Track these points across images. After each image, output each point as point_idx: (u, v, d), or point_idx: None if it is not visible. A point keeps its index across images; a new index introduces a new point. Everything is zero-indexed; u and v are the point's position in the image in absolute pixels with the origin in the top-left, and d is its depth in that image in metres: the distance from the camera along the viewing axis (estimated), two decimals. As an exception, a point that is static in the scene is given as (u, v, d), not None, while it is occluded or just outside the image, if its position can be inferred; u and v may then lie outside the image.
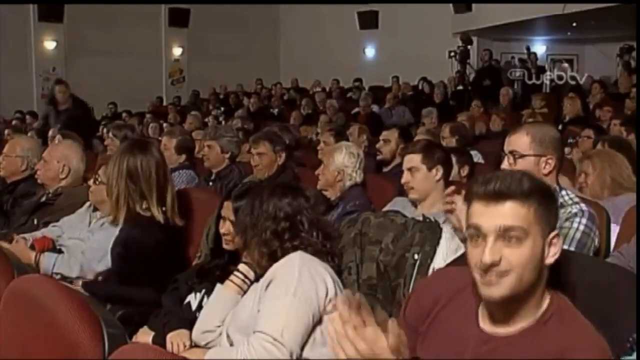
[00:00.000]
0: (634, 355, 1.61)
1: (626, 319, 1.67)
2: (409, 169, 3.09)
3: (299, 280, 1.96)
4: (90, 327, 1.63)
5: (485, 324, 1.54)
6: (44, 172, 3.68)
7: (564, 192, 2.54)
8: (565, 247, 2.38)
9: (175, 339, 2.31)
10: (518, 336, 1.48)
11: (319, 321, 1.98)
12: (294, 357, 1.92)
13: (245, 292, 2.22)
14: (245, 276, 2.24)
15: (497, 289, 1.45)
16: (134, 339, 2.36)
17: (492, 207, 1.46)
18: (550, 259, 1.50)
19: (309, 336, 1.96)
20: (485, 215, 1.46)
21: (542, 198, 1.48)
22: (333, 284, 2.03)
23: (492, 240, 1.45)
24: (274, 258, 2.08)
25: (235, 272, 2.26)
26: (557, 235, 1.52)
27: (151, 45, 15.84)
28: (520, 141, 2.52)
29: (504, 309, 1.50)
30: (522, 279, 1.45)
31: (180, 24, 16.15)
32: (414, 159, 3.09)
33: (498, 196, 1.46)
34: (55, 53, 14.95)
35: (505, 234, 1.45)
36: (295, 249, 2.08)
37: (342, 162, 3.57)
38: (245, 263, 2.26)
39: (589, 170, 3.56)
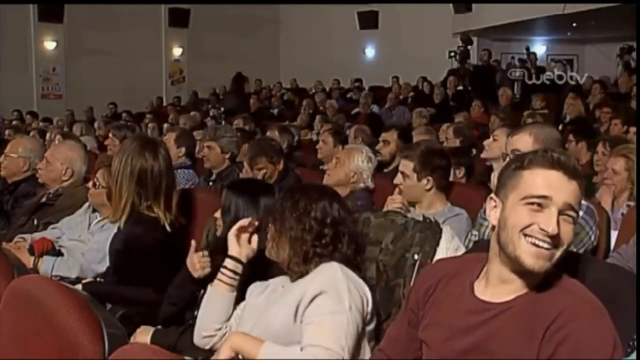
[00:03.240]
0: (634, 356, 1.62)
1: (626, 319, 1.67)
2: (402, 172, 3.10)
3: (350, 295, 1.92)
4: (90, 327, 1.63)
5: (481, 294, 1.57)
6: (46, 173, 3.67)
7: None
8: None
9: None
10: (513, 302, 1.51)
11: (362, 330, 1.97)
12: None
13: (235, 286, 2.19)
14: (234, 272, 2.20)
15: (545, 262, 1.48)
16: (132, 338, 2.36)
17: (564, 182, 1.48)
18: None
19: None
20: (555, 188, 1.48)
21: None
22: (370, 294, 2.01)
23: (556, 213, 1.47)
24: (305, 259, 2.03)
25: (222, 270, 2.21)
26: None
27: (151, 46, 15.86)
28: (522, 141, 2.53)
29: (516, 279, 1.53)
30: (561, 256, 1.50)
31: (180, 24, 16.17)
32: (407, 166, 3.10)
33: (571, 173, 1.49)
34: (55, 53, 14.97)
35: (566, 211, 1.48)
36: (328, 256, 2.03)
37: (360, 165, 3.57)
38: (231, 257, 2.21)
39: (620, 168, 3.48)
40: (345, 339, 1.84)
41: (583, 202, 2.46)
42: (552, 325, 1.42)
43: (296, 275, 2.05)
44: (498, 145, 3.60)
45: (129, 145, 2.90)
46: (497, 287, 1.55)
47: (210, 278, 2.35)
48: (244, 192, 2.48)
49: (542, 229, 1.46)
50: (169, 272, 2.70)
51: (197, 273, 2.47)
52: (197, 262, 2.47)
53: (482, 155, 3.77)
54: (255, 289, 2.18)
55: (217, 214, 2.51)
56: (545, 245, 1.47)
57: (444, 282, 1.66)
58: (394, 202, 2.95)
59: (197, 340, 2.21)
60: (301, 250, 2.03)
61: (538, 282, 1.53)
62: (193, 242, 2.54)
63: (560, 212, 1.47)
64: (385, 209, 2.90)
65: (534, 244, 1.47)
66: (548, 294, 1.50)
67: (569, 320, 1.42)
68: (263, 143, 4.43)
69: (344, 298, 1.91)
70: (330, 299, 1.90)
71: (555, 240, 1.47)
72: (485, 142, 3.74)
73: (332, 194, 2.16)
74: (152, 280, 2.70)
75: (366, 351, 1.97)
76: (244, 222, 2.23)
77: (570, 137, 5.13)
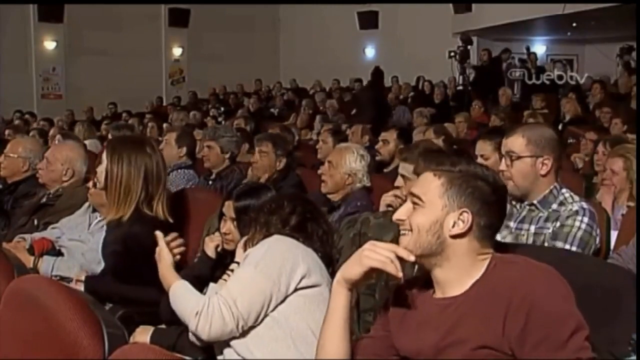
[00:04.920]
0: (634, 356, 1.62)
1: (626, 319, 1.67)
2: (402, 176, 3.09)
3: (264, 256, 2.04)
4: (90, 327, 1.64)
5: (440, 294, 1.66)
6: (47, 173, 3.65)
7: (564, 190, 2.56)
8: (567, 246, 2.40)
9: None
10: (470, 290, 1.60)
11: (282, 301, 2.04)
12: (240, 326, 1.98)
13: None
14: None
15: (401, 243, 1.65)
16: (131, 338, 2.36)
17: (416, 179, 1.72)
18: (453, 232, 1.61)
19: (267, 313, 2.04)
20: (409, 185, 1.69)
21: (463, 178, 1.63)
22: (306, 265, 2.07)
23: (407, 202, 1.68)
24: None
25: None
26: (465, 212, 1.61)
27: (151, 46, 15.85)
28: (516, 143, 2.55)
29: (439, 279, 1.65)
30: (417, 241, 1.62)
31: (180, 24, 16.17)
32: (407, 168, 3.08)
33: (424, 168, 1.69)
34: (55, 53, 14.96)
35: (412, 199, 1.66)
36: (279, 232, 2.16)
37: (354, 166, 3.53)
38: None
39: (618, 169, 3.46)
40: (241, 291, 1.99)
41: (585, 205, 2.49)
42: (514, 298, 1.50)
43: None
44: (490, 162, 3.49)
45: (123, 144, 2.89)
46: (449, 286, 1.64)
47: (209, 280, 2.37)
48: (251, 196, 2.49)
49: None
50: None
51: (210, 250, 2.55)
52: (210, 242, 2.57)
53: None
54: None
55: (227, 229, 2.49)
56: (401, 232, 1.66)
57: (406, 294, 1.74)
58: (386, 197, 2.95)
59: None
60: (268, 232, 2.16)
61: (485, 269, 1.61)
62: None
63: (411, 202, 1.66)
64: (381, 209, 2.90)
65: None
66: (499, 273, 1.59)
67: (529, 288, 1.50)
68: (276, 134, 4.49)
69: (256, 256, 2.04)
70: (245, 261, 2.07)
71: (403, 225, 1.65)
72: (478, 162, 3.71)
73: (302, 198, 2.35)
74: (151, 279, 2.70)
75: (301, 308, 2.05)
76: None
77: (593, 135, 5.18)
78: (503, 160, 2.57)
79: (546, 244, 2.44)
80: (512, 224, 2.57)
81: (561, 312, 1.48)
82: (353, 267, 1.64)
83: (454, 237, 1.61)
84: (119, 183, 2.80)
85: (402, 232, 1.65)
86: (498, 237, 2.53)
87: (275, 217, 2.18)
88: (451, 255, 1.62)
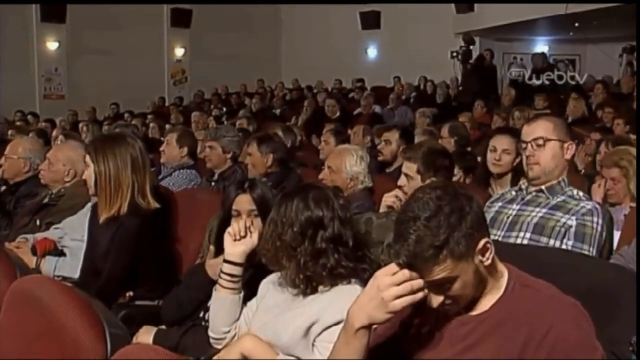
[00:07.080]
0: (634, 358, 1.62)
1: (626, 319, 1.67)
2: (405, 174, 3.09)
3: None
4: (92, 327, 1.64)
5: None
6: (49, 174, 3.65)
7: (571, 187, 2.62)
8: (591, 249, 2.45)
9: None
10: (490, 310, 1.57)
11: None
12: None
13: (237, 289, 2.17)
14: (232, 275, 2.16)
15: (452, 309, 1.58)
16: (134, 338, 2.37)
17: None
18: (488, 262, 1.54)
19: None
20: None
21: (451, 232, 1.46)
22: None
23: (433, 295, 1.53)
24: (310, 280, 1.96)
25: (221, 274, 2.18)
26: (484, 241, 1.51)
27: (153, 46, 15.87)
28: (543, 127, 2.60)
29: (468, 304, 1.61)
30: (469, 296, 1.56)
31: (183, 25, 16.19)
32: (410, 168, 3.09)
33: (412, 268, 1.48)
34: (57, 53, 14.99)
35: (438, 287, 1.51)
36: (345, 276, 1.95)
37: (355, 169, 3.53)
38: (227, 261, 2.17)
39: (617, 176, 3.44)
40: None
41: (596, 205, 2.53)
42: (536, 331, 1.47)
43: (305, 292, 1.98)
44: (510, 158, 3.68)
45: (103, 142, 2.94)
46: (470, 303, 1.60)
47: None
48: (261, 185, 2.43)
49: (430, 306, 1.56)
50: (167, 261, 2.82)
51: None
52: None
53: (496, 171, 3.74)
54: (270, 287, 2.12)
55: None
56: (446, 308, 1.57)
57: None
58: (388, 197, 2.95)
59: (211, 341, 2.22)
60: (304, 274, 1.95)
61: (504, 289, 1.58)
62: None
63: (438, 290, 1.52)
64: (381, 209, 2.90)
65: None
66: (519, 297, 1.56)
67: (552, 323, 1.47)
68: (266, 134, 4.60)
69: None
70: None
71: (446, 302, 1.54)
72: (490, 157, 3.74)
73: (315, 198, 1.99)
74: (150, 273, 2.71)
75: None
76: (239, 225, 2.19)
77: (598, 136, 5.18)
78: (528, 147, 2.60)
79: (569, 242, 2.47)
80: (514, 206, 2.64)
81: (586, 350, 1.46)
82: (379, 313, 1.50)
83: (490, 265, 1.54)
84: (108, 180, 2.83)
85: (447, 308, 1.56)
86: (498, 218, 2.60)
87: (306, 244, 1.94)
88: (487, 278, 1.57)
